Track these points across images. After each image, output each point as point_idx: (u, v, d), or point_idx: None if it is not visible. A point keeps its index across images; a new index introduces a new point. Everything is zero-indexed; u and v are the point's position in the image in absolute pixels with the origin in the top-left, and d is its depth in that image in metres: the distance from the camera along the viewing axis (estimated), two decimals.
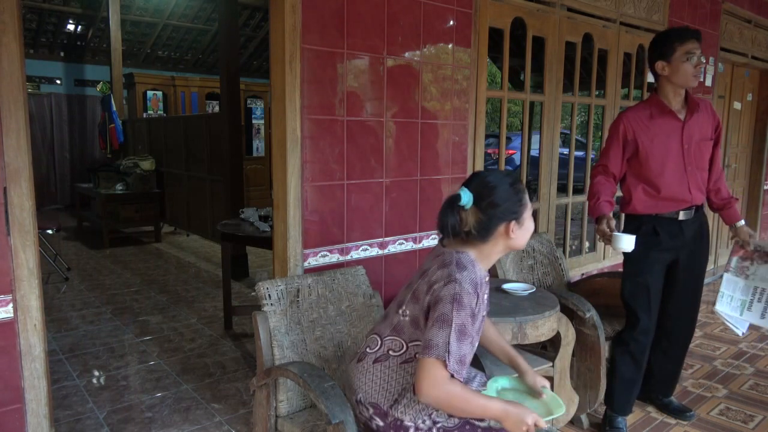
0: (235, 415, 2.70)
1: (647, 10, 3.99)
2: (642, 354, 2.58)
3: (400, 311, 1.63)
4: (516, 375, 1.78)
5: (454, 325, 1.44)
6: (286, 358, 2.01)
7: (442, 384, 1.44)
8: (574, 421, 2.64)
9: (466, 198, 1.54)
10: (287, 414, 1.99)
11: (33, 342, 1.95)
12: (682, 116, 2.46)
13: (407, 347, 1.60)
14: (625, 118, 2.51)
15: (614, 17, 3.76)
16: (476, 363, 2.07)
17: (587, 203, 2.65)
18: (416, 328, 1.57)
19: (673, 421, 2.71)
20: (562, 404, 1.63)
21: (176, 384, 3.03)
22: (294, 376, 1.76)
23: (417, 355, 1.56)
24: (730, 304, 2.54)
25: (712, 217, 3.43)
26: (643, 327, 2.54)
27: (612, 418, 2.60)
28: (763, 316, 2.51)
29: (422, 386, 1.45)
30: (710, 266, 4.61)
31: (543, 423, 1.49)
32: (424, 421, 1.56)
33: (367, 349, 1.68)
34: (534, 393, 1.70)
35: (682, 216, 2.49)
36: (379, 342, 1.66)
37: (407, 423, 1.56)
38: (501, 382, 1.73)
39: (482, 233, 1.56)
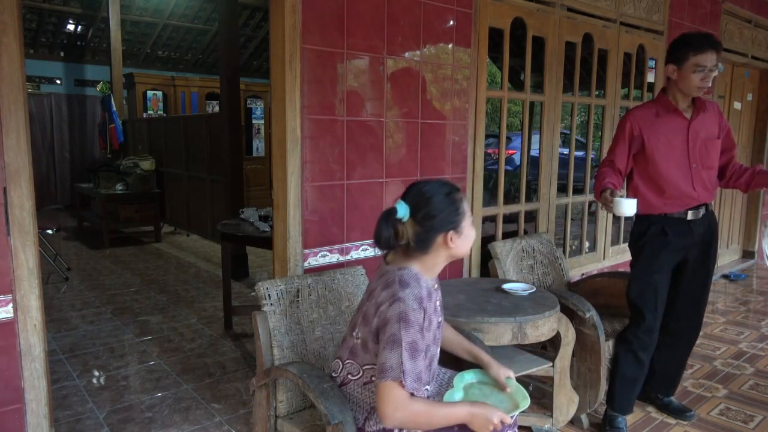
0: (235, 415, 2.70)
1: (647, 10, 3.99)
2: (645, 353, 2.58)
3: (354, 334, 1.64)
4: (481, 371, 1.80)
5: (404, 344, 1.44)
6: (286, 358, 2.01)
7: (404, 405, 1.45)
8: (574, 421, 2.64)
9: (403, 211, 1.53)
10: (287, 414, 1.99)
11: (33, 342, 1.95)
12: (688, 115, 2.48)
13: (362, 371, 1.62)
14: (632, 115, 2.54)
15: (614, 17, 3.76)
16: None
17: (593, 194, 2.65)
18: (366, 352, 1.59)
19: (673, 421, 2.71)
20: (527, 396, 1.65)
21: (176, 384, 3.03)
22: (293, 377, 1.76)
23: (373, 378, 1.57)
24: None
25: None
26: (647, 326, 2.55)
27: (612, 418, 2.60)
28: None
29: (385, 411, 1.45)
30: None
31: (509, 419, 1.51)
32: (405, 429, 1.56)
33: (333, 374, 1.72)
34: (500, 385, 1.71)
35: (690, 216, 2.49)
36: (341, 366, 1.69)
37: (387, 428, 1.56)
38: (467, 377, 1.75)
39: (421, 245, 1.54)
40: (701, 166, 2.48)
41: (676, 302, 2.61)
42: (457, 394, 1.67)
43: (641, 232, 2.58)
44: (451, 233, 1.54)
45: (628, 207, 2.32)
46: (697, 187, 2.48)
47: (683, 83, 2.40)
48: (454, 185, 1.60)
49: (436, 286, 1.65)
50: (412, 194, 1.56)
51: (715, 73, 2.39)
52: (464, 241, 1.58)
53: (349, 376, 1.66)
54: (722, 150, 2.58)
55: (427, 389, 1.65)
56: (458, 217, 1.55)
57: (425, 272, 1.58)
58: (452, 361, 1.88)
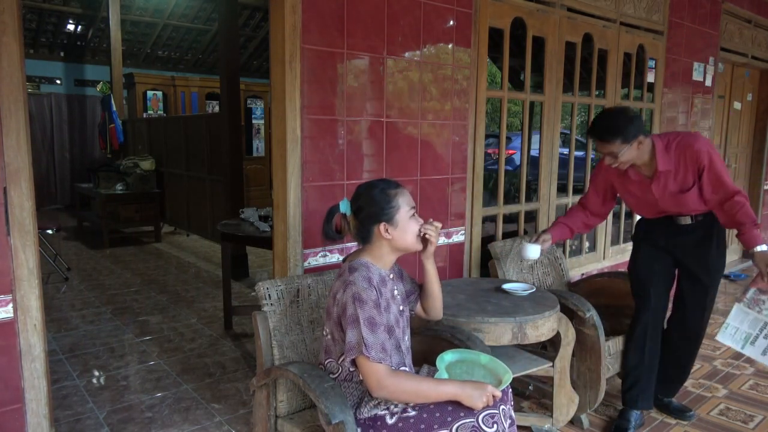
0: (235, 415, 2.70)
1: (647, 10, 3.99)
2: (643, 341, 2.60)
3: (324, 333, 1.75)
4: (459, 349, 1.88)
5: (362, 321, 1.57)
6: (286, 358, 2.01)
7: (385, 378, 1.55)
8: (574, 421, 2.64)
9: (344, 207, 1.73)
10: (287, 414, 1.99)
11: (33, 342, 1.95)
12: (649, 174, 2.41)
13: (340, 367, 1.71)
14: (604, 167, 2.53)
15: (614, 17, 3.76)
16: None
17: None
18: (336, 344, 1.70)
19: (673, 421, 2.71)
20: (508, 369, 1.70)
21: (176, 384, 3.03)
22: (294, 377, 1.75)
23: (351, 370, 1.68)
24: (733, 336, 2.37)
25: None
26: (640, 318, 2.62)
27: (623, 411, 2.63)
28: (764, 353, 2.32)
29: (370, 386, 1.58)
30: None
31: (499, 393, 1.58)
32: (396, 404, 1.62)
33: None
34: (479, 363, 1.78)
35: (677, 220, 2.51)
36: (323, 370, 1.77)
37: (380, 413, 1.62)
38: (447, 358, 1.79)
39: (361, 236, 1.73)
40: (675, 212, 2.51)
41: (678, 309, 2.65)
42: (443, 376, 1.70)
43: (635, 229, 2.74)
44: (384, 224, 1.69)
45: (528, 251, 2.49)
46: (670, 214, 2.53)
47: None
48: (395, 183, 1.76)
49: (391, 276, 1.79)
50: (355, 192, 1.76)
51: (615, 160, 2.30)
52: (402, 233, 1.71)
53: (330, 376, 1.73)
54: (706, 191, 2.38)
55: (405, 370, 1.73)
56: (391, 210, 1.69)
57: (376, 262, 1.73)
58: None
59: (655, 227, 2.59)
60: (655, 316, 2.60)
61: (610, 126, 2.28)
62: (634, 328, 2.64)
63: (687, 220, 2.50)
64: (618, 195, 2.67)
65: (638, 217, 2.76)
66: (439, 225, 1.79)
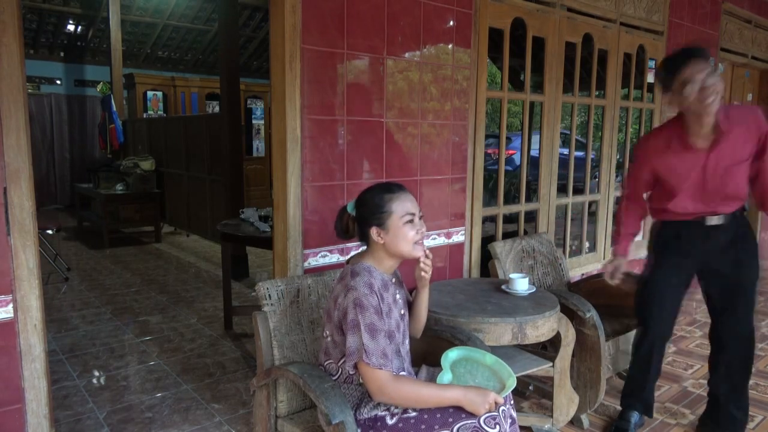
0: (235, 415, 2.70)
1: (647, 11, 3.99)
2: (647, 357, 2.50)
3: (324, 335, 1.75)
4: (466, 346, 1.88)
5: (363, 327, 1.57)
6: (286, 358, 2.01)
7: (387, 384, 1.56)
8: (574, 421, 2.64)
9: (350, 207, 1.77)
10: (287, 414, 1.99)
11: (33, 342, 1.95)
12: (707, 143, 2.20)
13: (339, 369, 1.71)
14: (644, 148, 2.41)
15: (614, 17, 3.76)
16: None
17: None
18: (336, 346, 1.70)
19: (673, 421, 2.71)
20: (512, 373, 1.70)
21: (176, 384, 3.03)
22: (294, 377, 1.76)
23: (351, 372, 1.68)
24: None
25: None
26: (651, 337, 2.47)
27: (623, 412, 2.60)
28: None
29: (371, 391, 1.59)
30: None
31: (501, 400, 1.58)
32: (396, 405, 1.62)
33: None
34: (483, 363, 1.77)
35: (714, 221, 2.31)
36: (323, 370, 1.77)
37: (380, 414, 1.63)
38: (451, 355, 1.79)
39: (360, 237, 1.76)
40: (717, 193, 2.26)
41: (719, 318, 2.47)
42: (446, 376, 1.70)
43: (655, 235, 2.49)
44: (376, 228, 1.69)
45: (518, 285, 2.48)
46: (707, 205, 2.30)
47: (684, 107, 2.17)
48: (396, 187, 1.74)
49: (393, 280, 1.79)
50: (360, 193, 1.78)
51: (715, 82, 2.09)
52: (394, 239, 1.68)
53: (330, 377, 1.73)
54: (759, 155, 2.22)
55: (404, 374, 1.73)
56: (382, 215, 1.68)
57: (378, 266, 1.72)
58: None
59: (682, 231, 2.38)
60: (663, 332, 2.48)
61: (694, 46, 2.11)
62: (641, 345, 2.50)
63: (720, 220, 2.32)
64: (659, 177, 2.37)
65: (655, 224, 2.52)
66: (430, 263, 1.80)
